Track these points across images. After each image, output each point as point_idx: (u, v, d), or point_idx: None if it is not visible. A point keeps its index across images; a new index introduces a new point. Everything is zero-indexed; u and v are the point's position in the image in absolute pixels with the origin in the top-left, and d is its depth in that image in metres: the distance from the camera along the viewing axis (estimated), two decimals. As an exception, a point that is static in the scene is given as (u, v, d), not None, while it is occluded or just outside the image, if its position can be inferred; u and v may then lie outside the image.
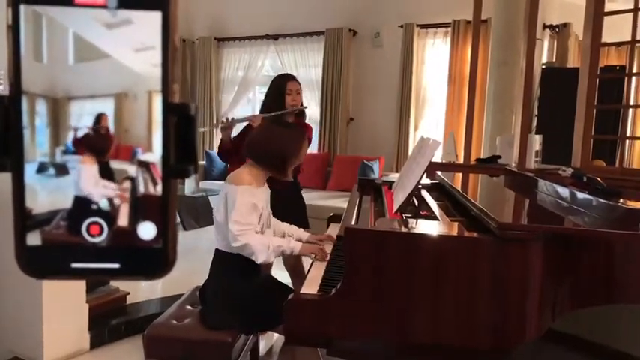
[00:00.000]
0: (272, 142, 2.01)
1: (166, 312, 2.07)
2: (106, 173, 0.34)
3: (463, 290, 1.43)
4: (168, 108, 0.32)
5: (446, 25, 5.66)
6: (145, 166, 0.34)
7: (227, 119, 2.75)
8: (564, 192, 1.97)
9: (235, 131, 2.79)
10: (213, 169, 6.59)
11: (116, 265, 0.33)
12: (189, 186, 6.50)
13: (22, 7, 0.31)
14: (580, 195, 1.83)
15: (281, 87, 2.72)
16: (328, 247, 2.12)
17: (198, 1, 6.76)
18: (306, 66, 6.47)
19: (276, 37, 6.60)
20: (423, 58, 5.90)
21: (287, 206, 2.62)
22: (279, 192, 2.65)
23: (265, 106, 2.78)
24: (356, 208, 2.27)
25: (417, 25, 5.80)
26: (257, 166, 2.01)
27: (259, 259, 1.93)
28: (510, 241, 1.39)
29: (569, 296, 1.55)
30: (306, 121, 2.88)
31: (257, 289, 2.02)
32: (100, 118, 0.34)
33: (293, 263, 2.78)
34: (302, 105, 2.78)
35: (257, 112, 2.89)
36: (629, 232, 1.51)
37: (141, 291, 3.33)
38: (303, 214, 2.82)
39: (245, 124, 2.75)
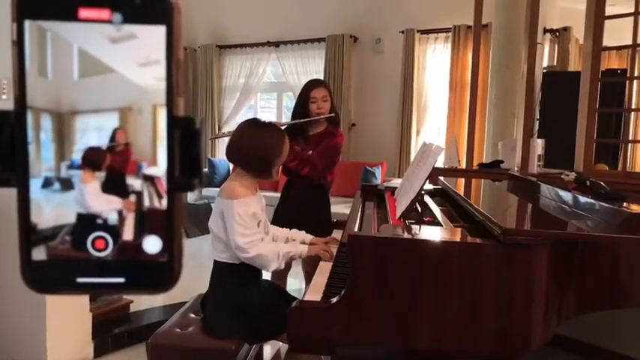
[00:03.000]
0: (252, 145, 1.95)
1: (169, 320, 2.06)
2: (114, 187, 0.34)
3: (467, 297, 1.42)
4: (172, 122, 0.32)
5: (446, 30, 5.67)
6: (150, 180, 0.33)
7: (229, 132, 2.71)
8: (567, 196, 1.96)
9: None
10: (215, 176, 6.60)
11: (121, 280, 0.33)
12: (192, 193, 6.50)
13: (27, 23, 0.31)
14: (583, 199, 1.83)
15: (305, 95, 2.69)
16: (333, 249, 2.14)
17: (200, 8, 6.80)
18: (308, 72, 6.48)
19: (277, 44, 6.62)
20: (424, 63, 5.92)
21: (308, 214, 2.60)
22: (295, 198, 2.64)
23: (293, 114, 2.75)
24: (359, 214, 2.27)
25: (418, 31, 5.82)
26: (245, 173, 1.98)
27: (271, 267, 1.92)
28: (515, 247, 1.38)
29: (574, 302, 1.54)
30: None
31: (258, 299, 1.99)
32: (115, 133, 0.34)
33: (311, 270, 2.77)
34: (331, 112, 2.70)
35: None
36: (634, 237, 1.50)
37: (144, 299, 3.32)
38: (327, 223, 2.74)
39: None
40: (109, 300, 2.91)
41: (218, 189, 2.02)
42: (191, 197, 6.46)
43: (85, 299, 2.61)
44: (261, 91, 7.23)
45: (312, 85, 2.75)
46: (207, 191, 6.33)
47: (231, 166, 6.92)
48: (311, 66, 6.50)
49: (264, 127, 2.02)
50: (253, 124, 2.06)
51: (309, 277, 2.78)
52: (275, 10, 6.62)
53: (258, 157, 1.94)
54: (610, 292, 1.59)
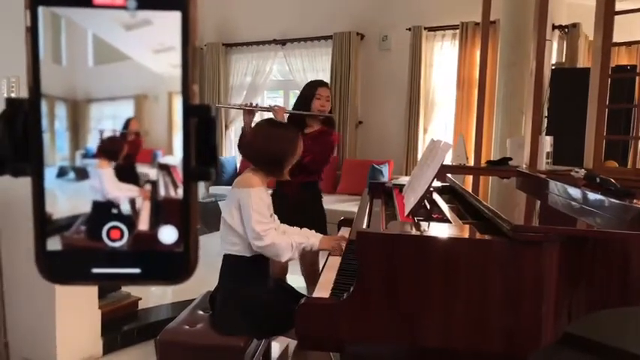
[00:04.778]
0: (267, 144, 2.01)
1: (178, 317, 2.07)
2: (127, 176, 0.33)
3: (476, 294, 1.41)
4: (188, 109, 0.32)
5: (454, 27, 5.65)
6: (166, 169, 0.33)
7: (251, 103, 2.82)
8: (576, 193, 1.95)
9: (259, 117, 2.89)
10: (223, 174, 6.61)
11: (137, 270, 0.32)
12: (200, 191, 6.51)
13: (41, 9, 0.31)
14: (592, 196, 1.81)
15: (311, 91, 2.78)
16: (342, 246, 2.15)
17: (206, 7, 6.80)
18: (314, 70, 6.48)
19: (283, 42, 6.62)
20: (431, 60, 5.89)
21: (303, 212, 2.61)
22: (289, 197, 2.65)
23: (294, 108, 2.84)
24: (367, 211, 2.26)
25: (425, 28, 5.79)
26: (257, 170, 2.01)
27: (284, 257, 1.96)
28: (524, 244, 1.37)
29: (584, 299, 1.53)
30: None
31: (267, 294, 2.01)
32: (128, 122, 0.33)
33: (309, 269, 2.78)
34: (330, 112, 2.83)
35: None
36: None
37: (152, 296, 3.33)
38: (323, 222, 2.80)
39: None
40: (117, 297, 2.92)
41: (225, 187, 2.04)
42: (199, 195, 6.46)
43: (94, 297, 2.62)
44: (268, 89, 7.23)
45: (319, 83, 2.85)
46: (215, 189, 6.34)
47: (239, 164, 6.94)
48: (318, 64, 6.49)
49: (279, 127, 2.08)
50: (269, 123, 2.12)
51: (308, 276, 2.81)
52: (281, 8, 6.61)
53: (270, 156, 1.98)
54: (620, 290, 1.57)
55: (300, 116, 2.76)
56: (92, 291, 2.59)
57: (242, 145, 2.09)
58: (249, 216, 1.90)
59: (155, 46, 0.32)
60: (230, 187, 2.08)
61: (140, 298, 3.02)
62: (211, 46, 7.04)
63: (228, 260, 2.01)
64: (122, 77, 0.33)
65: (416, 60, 5.81)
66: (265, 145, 2.00)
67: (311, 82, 2.93)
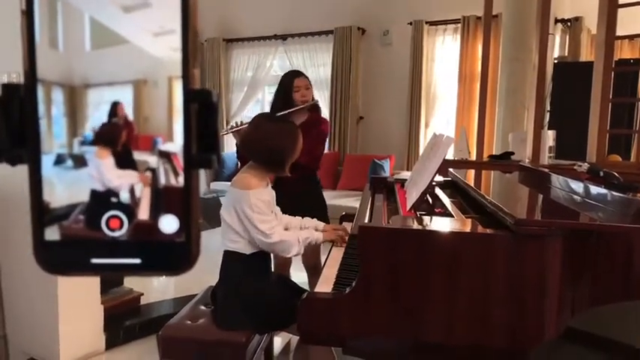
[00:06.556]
0: (267, 140, 1.96)
1: (180, 312, 2.07)
2: (126, 164, 0.32)
3: (479, 288, 1.40)
4: (189, 94, 0.31)
5: (455, 21, 5.62)
6: (166, 156, 0.32)
7: (237, 123, 2.68)
8: (579, 187, 1.94)
9: None
10: (223, 170, 6.60)
11: (137, 261, 0.31)
12: (201, 187, 6.51)
13: None
14: (595, 189, 1.80)
15: (288, 85, 2.68)
16: (345, 236, 2.16)
17: (207, 2, 6.77)
18: (315, 65, 6.46)
19: (284, 37, 6.59)
20: (432, 55, 5.87)
21: (305, 201, 2.60)
22: (295, 185, 2.62)
23: (274, 106, 2.72)
24: (369, 206, 2.25)
25: (426, 22, 5.77)
26: (258, 167, 1.99)
27: (292, 253, 1.97)
28: (527, 237, 1.36)
29: (587, 293, 1.52)
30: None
31: (269, 290, 2.01)
32: (115, 107, 0.32)
33: (312, 263, 2.78)
34: (313, 99, 2.72)
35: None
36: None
37: (154, 292, 3.34)
38: (324, 211, 2.78)
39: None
40: (120, 292, 2.93)
41: (226, 183, 2.02)
42: (200, 191, 6.46)
43: (96, 291, 2.62)
44: (269, 84, 7.21)
45: (293, 74, 2.74)
46: (216, 185, 6.33)
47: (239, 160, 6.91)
48: (319, 59, 6.47)
49: (280, 122, 2.04)
50: (269, 119, 2.07)
51: (311, 269, 2.80)
52: (282, 3, 6.59)
53: (272, 152, 1.94)
54: (623, 283, 1.57)
55: (286, 113, 2.61)
56: (94, 286, 2.59)
57: (241, 143, 2.03)
58: (251, 217, 1.89)
59: (155, 29, 0.31)
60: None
61: (142, 294, 3.03)
62: (212, 41, 7.02)
63: (229, 256, 2.00)
64: (121, 61, 0.32)
65: (417, 54, 5.79)
66: (264, 141, 1.95)
67: (286, 74, 2.79)
